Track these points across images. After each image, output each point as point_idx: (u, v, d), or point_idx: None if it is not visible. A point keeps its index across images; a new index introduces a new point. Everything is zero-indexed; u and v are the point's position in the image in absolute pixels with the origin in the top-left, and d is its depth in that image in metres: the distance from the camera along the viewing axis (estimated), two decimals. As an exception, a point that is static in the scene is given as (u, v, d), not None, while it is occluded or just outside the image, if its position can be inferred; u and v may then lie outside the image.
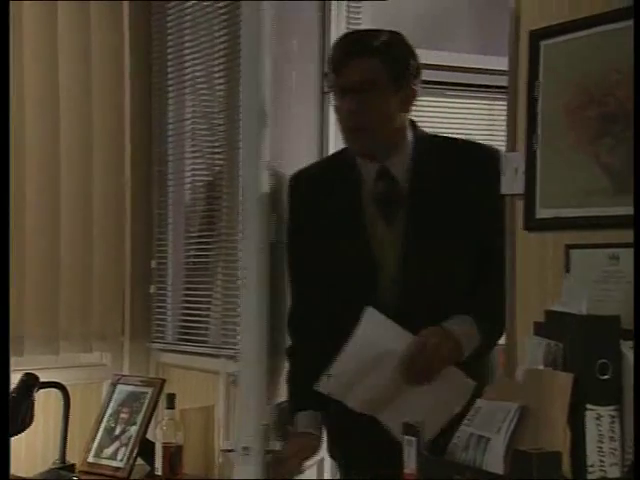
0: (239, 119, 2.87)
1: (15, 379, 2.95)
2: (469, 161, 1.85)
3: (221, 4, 2.98)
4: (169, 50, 3.22)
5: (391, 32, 1.89)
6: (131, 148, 3.15)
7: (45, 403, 2.88)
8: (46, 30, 3.03)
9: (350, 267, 1.87)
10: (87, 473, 2.85)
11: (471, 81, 3.14)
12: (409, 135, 1.89)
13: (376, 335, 1.81)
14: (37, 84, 3.01)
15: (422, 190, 1.85)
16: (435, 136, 1.97)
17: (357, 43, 1.86)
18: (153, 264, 3.21)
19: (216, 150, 2.91)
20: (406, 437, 1.77)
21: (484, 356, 1.84)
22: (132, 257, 3.15)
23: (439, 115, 3.19)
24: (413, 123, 1.93)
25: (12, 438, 2.77)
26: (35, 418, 2.77)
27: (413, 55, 1.87)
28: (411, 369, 1.74)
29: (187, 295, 3.03)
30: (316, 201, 1.92)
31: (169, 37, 3.23)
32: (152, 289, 3.21)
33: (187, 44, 3.19)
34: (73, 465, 2.84)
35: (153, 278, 3.20)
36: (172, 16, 3.21)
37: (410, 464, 1.87)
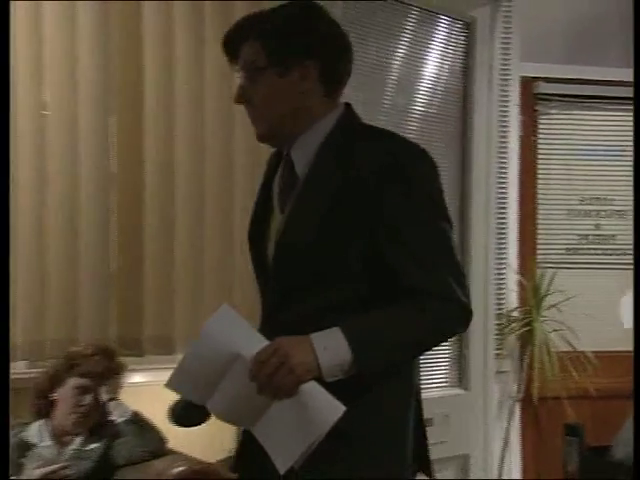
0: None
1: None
2: (375, 158, 1.66)
3: None
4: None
5: (285, 13, 1.75)
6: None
7: None
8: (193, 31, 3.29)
9: (253, 258, 1.80)
10: None
11: (625, 94, 3.26)
12: (326, 124, 1.73)
13: (226, 335, 1.62)
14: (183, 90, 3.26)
15: (312, 184, 1.71)
16: (362, 127, 1.78)
17: (241, 28, 1.76)
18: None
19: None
20: (567, 437, 1.90)
21: (363, 379, 1.62)
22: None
23: (596, 129, 3.33)
24: (345, 114, 1.77)
25: (193, 428, 3.14)
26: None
27: (305, 33, 1.73)
28: (258, 379, 1.58)
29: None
30: (262, 183, 1.85)
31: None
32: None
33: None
34: None
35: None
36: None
37: (571, 463, 2.01)
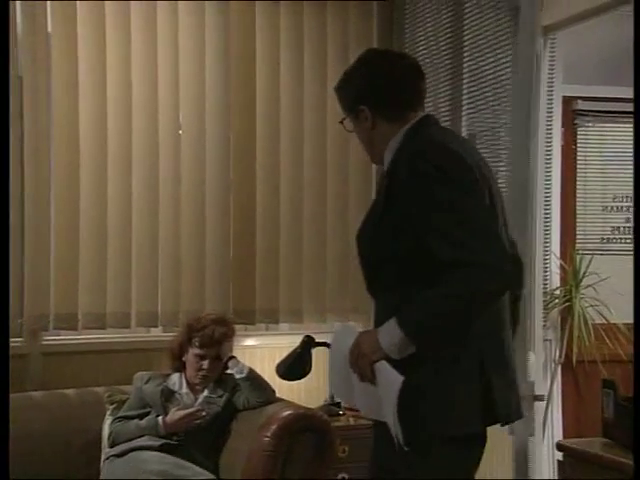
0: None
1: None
2: (411, 162, 1.92)
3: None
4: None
5: (355, 65, 2.09)
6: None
7: (318, 357, 3.29)
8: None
9: None
10: (349, 409, 3.47)
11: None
12: (395, 141, 2.01)
13: (344, 339, 1.98)
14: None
15: (377, 191, 2.09)
16: (416, 138, 2.00)
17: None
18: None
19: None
20: (604, 390, 2.36)
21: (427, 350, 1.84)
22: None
23: (626, 139, 3.58)
24: (412, 128, 2.01)
25: (296, 382, 3.53)
26: (312, 368, 3.16)
27: (357, 84, 2.05)
28: (351, 367, 1.93)
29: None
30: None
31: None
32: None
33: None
34: (339, 403, 3.46)
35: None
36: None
37: (608, 411, 2.44)
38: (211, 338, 3.21)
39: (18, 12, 3.43)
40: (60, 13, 3.49)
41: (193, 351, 3.24)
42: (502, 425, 1.98)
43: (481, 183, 1.92)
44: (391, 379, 1.83)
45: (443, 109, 3.76)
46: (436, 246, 1.83)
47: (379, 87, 2.04)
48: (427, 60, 3.83)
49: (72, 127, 3.50)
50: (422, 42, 3.89)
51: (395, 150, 2.02)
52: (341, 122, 2.16)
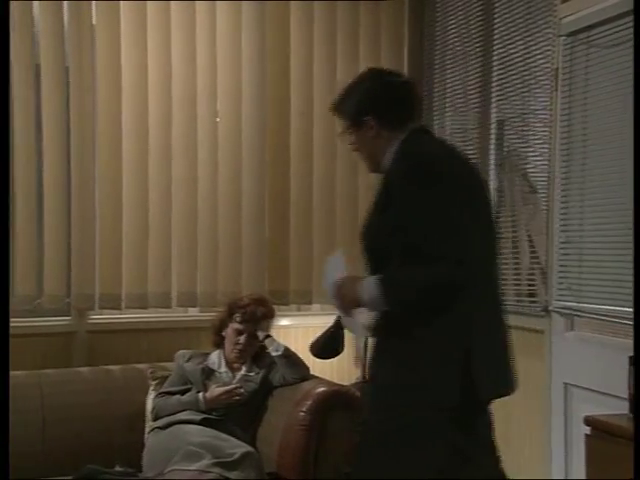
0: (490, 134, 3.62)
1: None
2: (397, 169, 2.14)
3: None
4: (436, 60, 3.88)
5: (356, 81, 2.31)
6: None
7: (351, 337, 3.35)
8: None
9: None
10: None
11: None
12: (392, 150, 2.22)
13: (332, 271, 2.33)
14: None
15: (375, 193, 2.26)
16: (406, 147, 2.20)
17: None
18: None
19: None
20: (631, 367, 2.45)
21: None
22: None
23: None
24: (406, 139, 2.21)
25: (329, 360, 3.64)
26: (344, 347, 3.24)
27: (361, 97, 2.25)
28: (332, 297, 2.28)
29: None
30: None
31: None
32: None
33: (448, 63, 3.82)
34: None
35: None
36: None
37: (630, 382, 2.51)
38: (252, 315, 3.36)
39: (65, 6, 3.56)
40: (104, 6, 3.61)
41: (233, 326, 3.38)
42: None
43: (465, 187, 2.14)
44: (361, 323, 2.21)
45: (473, 96, 3.83)
46: (416, 242, 2.06)
47: (382, 98, 2.26)
48: (458, 48, 3.92)
49: (115, 114, 3.63)
50: (453, 29, 3.97)
51: (393, 155, 2.21)
52: (341, 135, 2.35)
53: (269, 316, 3.43)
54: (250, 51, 3.82)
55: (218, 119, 3.79)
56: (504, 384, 2.21)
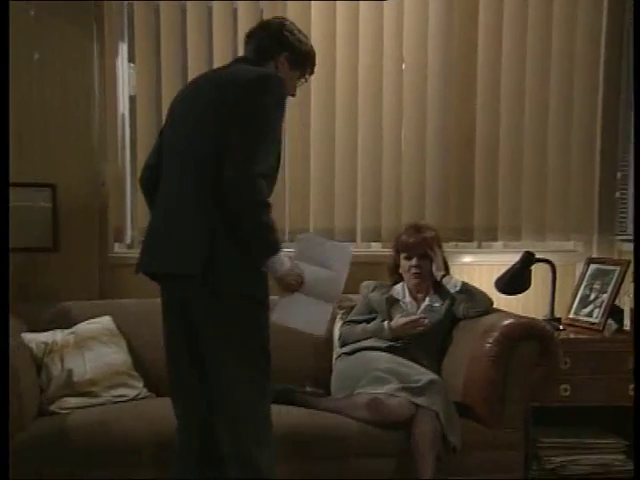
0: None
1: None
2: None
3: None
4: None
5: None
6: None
7: (538, 273, 3.55)
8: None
9: None
10: (569, 325, 3.52)
11: None
12: None
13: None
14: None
15: None
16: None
17: None
18: (618, 175, 3.79)
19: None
20: None
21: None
22: (601, 169, 3.79)
23: None
24: None
25: (514, 297, 3.57)
26: (531, 284, 3.48)
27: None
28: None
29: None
30: None
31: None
32: (617, 195, 3.79)
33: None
34: (559, 319, 3.52)
35: (617, 186, 3.77)
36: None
37: None
38: (408, 242, 3.43)
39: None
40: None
41: (401, 259, 3.47)
42: None
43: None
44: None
45: None
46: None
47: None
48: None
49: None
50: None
51: None
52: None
53: (427, 239, 3.44)
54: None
55: (404, 65, 3.83)
56: None
